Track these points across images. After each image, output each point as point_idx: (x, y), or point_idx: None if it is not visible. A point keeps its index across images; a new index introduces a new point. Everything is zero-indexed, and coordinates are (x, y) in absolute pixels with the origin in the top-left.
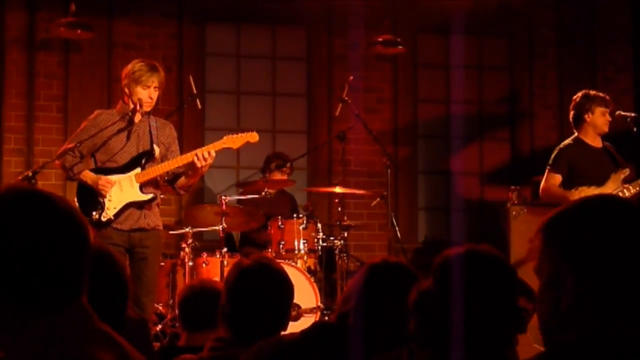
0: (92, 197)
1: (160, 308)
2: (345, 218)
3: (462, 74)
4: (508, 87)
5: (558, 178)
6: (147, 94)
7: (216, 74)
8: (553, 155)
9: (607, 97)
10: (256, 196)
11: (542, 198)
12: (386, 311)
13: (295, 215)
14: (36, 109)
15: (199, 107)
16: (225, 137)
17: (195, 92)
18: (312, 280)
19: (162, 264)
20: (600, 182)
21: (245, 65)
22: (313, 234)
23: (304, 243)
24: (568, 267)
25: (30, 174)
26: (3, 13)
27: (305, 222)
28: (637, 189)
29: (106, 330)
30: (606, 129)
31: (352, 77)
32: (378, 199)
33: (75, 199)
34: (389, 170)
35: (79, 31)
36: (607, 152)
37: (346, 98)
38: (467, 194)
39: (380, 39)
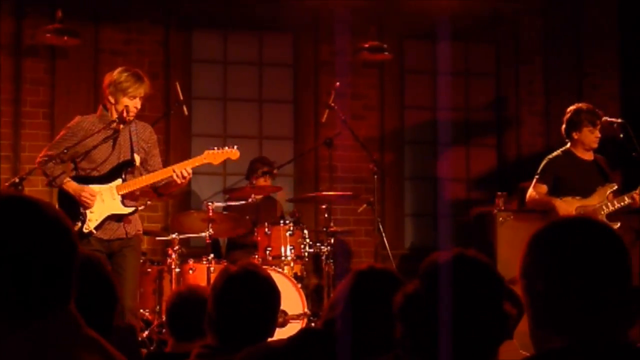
0: (73, 207)
1: (147, 314)
2: (332, 224)
3: (448, 81)
4: (494, 94)
5: (544, 188)
6: (133, 104)
7: (203, 80)
8: (541, 165)
9: (599, 113)
10: (243, 202)
11: (527, 206)
12: (373, 317)
13: (281, 222)
14: (22, 115)
15: (186, 113)
16: (205, 152)
17: (181, 98)
18: (299, 286)
19: (149, 270)
20: (586, 195)
21: (232, 71)
22: (300, 240)
23: (290, 249)
24: (542, 283)
25: (17, 180)
26: None
27: (291, 228)
28: (621, 204)
29: (94, 337)
30: (595, 146)
31: (338, 84)
32: (364, 205)
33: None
34: (375, 177)
35: (65, 38)
36: (597, 165)
37: (333, 104)
38: (453, 200)
39: (366, 45)
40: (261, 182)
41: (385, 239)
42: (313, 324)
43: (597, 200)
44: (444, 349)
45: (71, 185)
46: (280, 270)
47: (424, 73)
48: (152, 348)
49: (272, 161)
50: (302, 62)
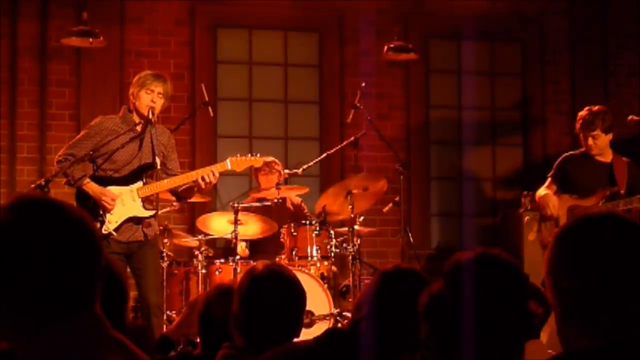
0: (92, 207)
1: (174, 315)
2: (358, 224)
3: (474, 80)
4: (520, 93)
5: (553, 187)
6: (149, 98)
7: (228, 81)
8: (555, 163)
9: (597, 119)
10: (269, 204)
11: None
12: (399, 318)
13: (307, 222)
14: (48, 117)
15: (211, 114)
16: (228, 159)
17: (207, 99)
18: (325, 287)
19: (176, 271)
20: (585, 195)
21: (257, 72)
22: (326, 240)
23: (316, 250)
24: (569, 281)
25: (42, 182)
26: (15, 22)
27: (317, 228)
28: (615, 209)
29: (119, 338)
30: (592, 152)
31: (364, 84)
32: (390, 205)
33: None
34: (401, 177)
35: (90, 39)
36: (611, 168)
37: (358, 104)
38: (479, 199)
39: (392, 45)
40: (263, 181)
41: (411, 239)
42: (339, 325)
43: (592, 202)
44: (468, 349)
45: (91, 187)
46: (306, 270)
47: (450, 72)
48: (179, 349)
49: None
50: (327, 62)
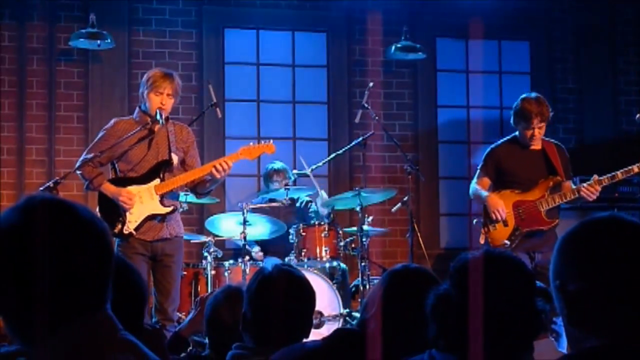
0: (113, 209)
1: (183, 317)
2: (367, 224)
3: (482, 79)
4: (528, 92)
5: (486, 180)
6: (159, 100)
7: (236, 82)
8: (483, 156)
9: (543, 109)
10: (277, 204)
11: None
12: (407, 317)
13: (317, 223)
14: (57, 119)
15: (219, 115)
16: (241, 148)
17: (215, 100)
18: (335, 287)
19: (185, 273)
20: (528, 187)
21: (265, 73)
22: (335, 240)
23: (325, 250)
24: (574, 284)
25: (51, 184)
26: (23, 25)
27: (326, 229)
28: (563, 199)
29: (130, 340)
30: (533, 145)
31: (372, 84)
32: (399, 205)
33: (97, 209)
34: (409, 177)
35: (98, 42)
36: (544, 154)
37: (366, 104)
38: None
39: (399, 45)
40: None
41: (420, 238)
42: (348, 325)
43: (537, 195)
44: (476, 347)
45: (109, 188)
46: (315, 271)
47: (457, 72)
48: (189, 350)
49: (284, 169)
50: (335, 62)
